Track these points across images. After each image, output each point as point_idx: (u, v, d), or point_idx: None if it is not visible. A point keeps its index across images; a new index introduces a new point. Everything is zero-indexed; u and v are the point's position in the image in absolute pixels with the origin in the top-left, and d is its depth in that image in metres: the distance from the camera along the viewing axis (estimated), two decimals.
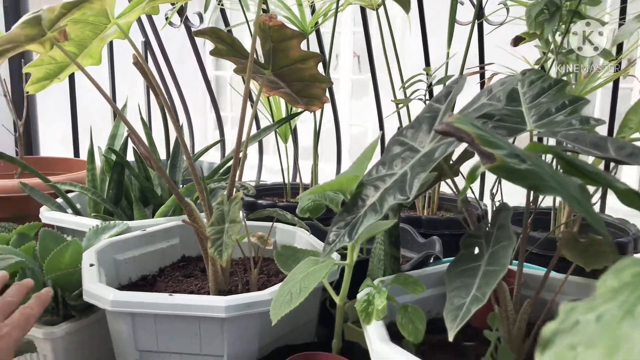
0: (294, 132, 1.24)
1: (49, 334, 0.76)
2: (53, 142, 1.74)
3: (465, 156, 0.66)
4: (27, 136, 1.35)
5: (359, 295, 0.63)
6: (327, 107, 1.22)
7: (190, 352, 0.66)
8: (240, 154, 0.77)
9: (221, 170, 1.01)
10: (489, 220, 0.58)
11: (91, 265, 0.73)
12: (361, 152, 0.62)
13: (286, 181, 1.22)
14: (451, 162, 0.64)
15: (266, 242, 0.88)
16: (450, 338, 0.44)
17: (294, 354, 0.65)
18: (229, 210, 0.73)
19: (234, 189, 0.75)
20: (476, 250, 0.54)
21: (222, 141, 1.26)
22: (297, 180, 1.25)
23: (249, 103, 0.76)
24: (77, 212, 1.01)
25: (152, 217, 0.98)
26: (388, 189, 0.53)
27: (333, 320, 0.84)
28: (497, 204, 0.74)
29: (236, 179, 0.76)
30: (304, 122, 1.30)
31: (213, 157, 1.78)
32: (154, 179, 1.05)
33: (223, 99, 4.12)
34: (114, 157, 0.98)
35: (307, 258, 0.63)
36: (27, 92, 0.85)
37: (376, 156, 0.62)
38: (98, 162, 1.05)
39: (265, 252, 0.87)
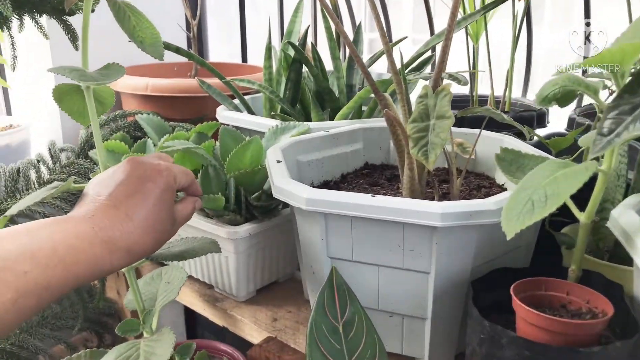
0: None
1: (232, 234, 0.72)
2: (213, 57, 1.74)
3: None
4: (199, 40, 1.32)
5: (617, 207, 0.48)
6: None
7: (391, 265, 0.56)
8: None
9: (410, 67, 0.88)
10: None
11: (278, 162, 0.66)
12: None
13: (473, 90, 1.06)
14: None
15: (468, 151, 0.75)
16: None
17: (513, 278, 0.53)
18: (434, 105, 0.61)
19: (441, 80, 0.63)
20: None
21: (388, 51, 1.13)
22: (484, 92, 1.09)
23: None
24: (252, 113, 0.96)
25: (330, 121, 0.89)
26: None
27: (549, 246, 0.70)
28: None
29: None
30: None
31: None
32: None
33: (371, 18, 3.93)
34: (292, 53, 0.89)
35: (549, 161, 0.49)
36: None
37: None
38: (274, 62, 0.98)
39: (462, 163, 0.75)
